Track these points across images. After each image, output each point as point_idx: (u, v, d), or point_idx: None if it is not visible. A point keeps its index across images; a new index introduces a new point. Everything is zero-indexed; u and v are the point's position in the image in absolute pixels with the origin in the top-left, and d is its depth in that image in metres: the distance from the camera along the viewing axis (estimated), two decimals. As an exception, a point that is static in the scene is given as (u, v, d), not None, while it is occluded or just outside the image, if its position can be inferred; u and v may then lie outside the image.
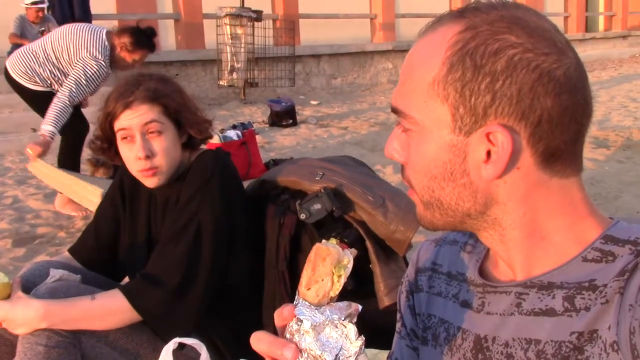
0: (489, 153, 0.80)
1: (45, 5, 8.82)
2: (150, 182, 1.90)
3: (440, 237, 1.08)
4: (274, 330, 2.06)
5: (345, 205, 1.88)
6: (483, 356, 0.88)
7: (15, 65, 4.74)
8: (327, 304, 0.80)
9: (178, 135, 1.92)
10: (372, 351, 1.71)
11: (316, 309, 0.79)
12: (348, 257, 0.82)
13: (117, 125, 1.86)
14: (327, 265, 0.81)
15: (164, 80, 1.95)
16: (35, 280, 1.85)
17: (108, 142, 1.93)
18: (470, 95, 0.78)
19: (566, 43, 0.81)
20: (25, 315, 1.68)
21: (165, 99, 1.87)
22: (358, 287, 1.93)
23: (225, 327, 1.92)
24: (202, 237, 1.81)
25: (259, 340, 0.81)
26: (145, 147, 1.84)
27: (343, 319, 0.78)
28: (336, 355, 0.77)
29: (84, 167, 5.44)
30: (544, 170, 0.81)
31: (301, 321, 0.78)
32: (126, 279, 2.12)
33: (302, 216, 1.88)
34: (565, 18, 18.79)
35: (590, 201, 0.86)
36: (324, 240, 0.84)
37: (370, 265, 1.91)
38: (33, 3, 8.55)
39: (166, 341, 1.60)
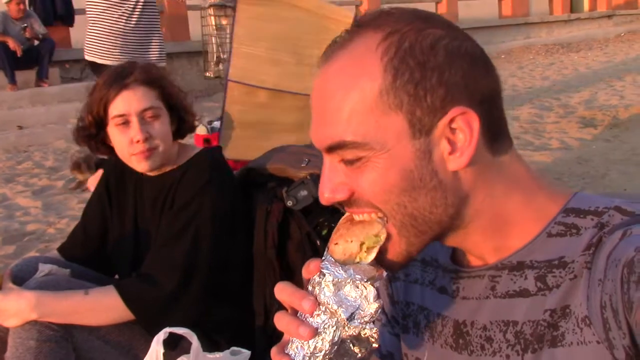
0: (451, 144, 0.79)
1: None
2: (143, 166, 1.88)
3: None
4: (264, 318, 2.05)
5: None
6: (463, 341, 0.89)
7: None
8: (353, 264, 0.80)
9: (170, 121, 1.92)
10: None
11: (340, 266, 0.79)
12: (384, 233, 0.81)
13: (113, 109, 1.83)
14: (359, 229, 0.81)
15: (154, 67, 1.95)
16: (24, 276, 1.85)
17: (97, 127, 1.89)
18: (425, 94, 0.76)
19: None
20: (17, 306, 1.68)
21: (160, 82, 1.88)
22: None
23: (216, 315, 1.93)
24: (200, 242, 1.81)
25: (281, 291, 0.81)
26: (143, 130, 1.82)
27: (365, 280, 0.78)
28: (352, 314, 0.77)
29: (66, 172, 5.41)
30: (490, 150, 0.81)
31: (324, 275, 0.79)
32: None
33: (289, 203, 1.88)
34: (550, -1, 18.80)
35: (537, 175, 0.87)
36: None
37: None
38: None
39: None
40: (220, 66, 10.22)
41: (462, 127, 0.78)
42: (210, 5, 10.02)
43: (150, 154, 1.85)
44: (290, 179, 1.96)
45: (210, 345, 1.83)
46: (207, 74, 10.39)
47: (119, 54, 4.28)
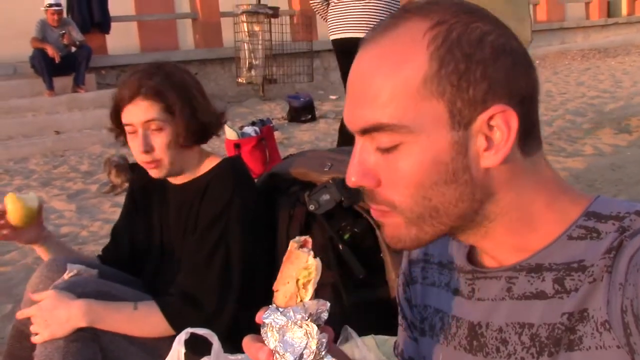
0: (488, 140, 0.79)
1: (61, 9, 8.97)
2: (153, 173, 1.92)
3: None
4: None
5: (354, 195, 1.89)
6: (478, 343, 0.89)
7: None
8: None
9: (185, 126, 1.88)
10: (382, 337, 1.74)
11: (280, 311, 0.81)
12: (314, 263, 0.82)
13: (123, 118, 1.89)
14: (290, 266, 0.83)
15: (171, 74, 1.91)
16: (53, 277, 1.89)
17: (119, 128, 1.95)
18: (467, 87, 0.77)
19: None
20: (68, 314, 1.72)
21: (167, 95, 1.85)
22: (370, 277, 1.95)
23: (238, 318, 1.95)
24: (232, 258, 1.85)
25: (243, 344, 0.85)
26: (145, 143, 1.85)
27: (306, 318, 0.80)
28: (300, 354, 0.79)
29: (101, 177, 5.51)
30: (522, 150, 0.81)
31: (267, 324, 0.82)
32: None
33: (312, 207, 1.90)
34: (587, 4, 18.49)
35: (560, 178, 0.86)
36: (297, 237, 0.86)
37: (381, 255, 1.93)
38: (49, 5, 8.71)
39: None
40: (253, 72, 10.34)
41: (501, 125, 0.78)
42: (243, 12, 10.17)
43: (157, 165, 1.89)
44: (313, 183, 1.97)
45: (230, 346, 1.85)
46: (240, 79, 10.53)
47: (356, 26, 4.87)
